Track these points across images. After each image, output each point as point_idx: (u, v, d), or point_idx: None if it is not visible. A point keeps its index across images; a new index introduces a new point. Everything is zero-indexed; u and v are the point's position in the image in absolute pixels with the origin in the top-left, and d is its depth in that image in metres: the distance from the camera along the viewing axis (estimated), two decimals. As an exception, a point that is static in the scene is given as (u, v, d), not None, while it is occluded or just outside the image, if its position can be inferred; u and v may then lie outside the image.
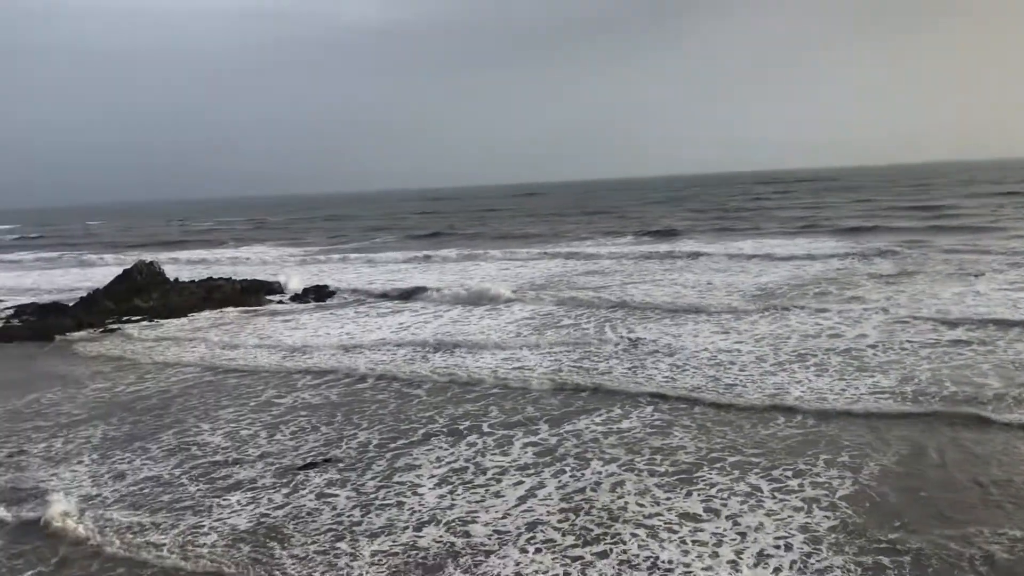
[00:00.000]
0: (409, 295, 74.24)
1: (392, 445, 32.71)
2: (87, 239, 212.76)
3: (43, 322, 69.71)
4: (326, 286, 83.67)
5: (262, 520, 26.48)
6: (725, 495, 25.45)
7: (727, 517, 23.89)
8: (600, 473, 27.76)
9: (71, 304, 77.35)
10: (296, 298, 77.96)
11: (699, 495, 25.61)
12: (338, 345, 53.28)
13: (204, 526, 25.86)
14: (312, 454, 32.09)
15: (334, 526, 25.81)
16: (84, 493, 29.26)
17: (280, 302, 77.26)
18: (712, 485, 26.29)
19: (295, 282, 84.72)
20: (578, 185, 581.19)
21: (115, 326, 68.42)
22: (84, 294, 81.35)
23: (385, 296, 74.38)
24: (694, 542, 22.41)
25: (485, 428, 33.85)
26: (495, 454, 30.52)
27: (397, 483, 28.27)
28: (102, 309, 73.76)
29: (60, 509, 28.37)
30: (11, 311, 79.55)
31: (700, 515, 24.17)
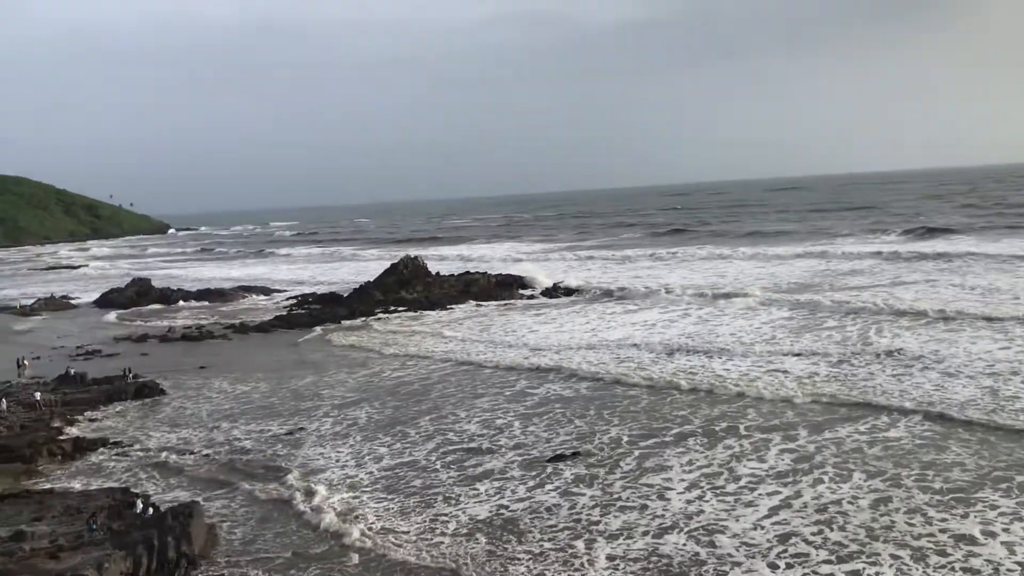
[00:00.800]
0: (655, 292, 74.66)
1: (643, 444, 32.51)
2: (356, 235, 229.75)
3: (322, 310, 76.28)
4: (573, 282, 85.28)
5: (501, 511, 27.12)
6: (1007, 520, 23.12)
7: (1004, 544, 21.60)
8: (861, 487, 26.07)
9: (345, 295, 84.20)
10: (546, 293, 79.82)
11: (976, 517, 23.42)
12: (585, 340, 54.34)
13: (448, 514, 26.75)
14: (563, 447, 32.40)
15: (572, 524, 25.90)
16: (345, 473, 31.38)
17: (531, 296, 79.88)
18: (993, 507, 23.98)
19: (544, 277, 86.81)
20: (834, 179, 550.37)
21: (383, 315, 73.71)
22: (356, 286, 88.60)
23: (630, 292, 74.26)
24: (966, 570, 20.54)
25: (742, 431, 32.91)
26: (751, 459, 29.42)
27: (644, 484, 27.95)
28: (372, 299, 79.36)
29: (312, 489, 30.38)
30: (294, 300, 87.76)
31: (977, 538, 22.10)
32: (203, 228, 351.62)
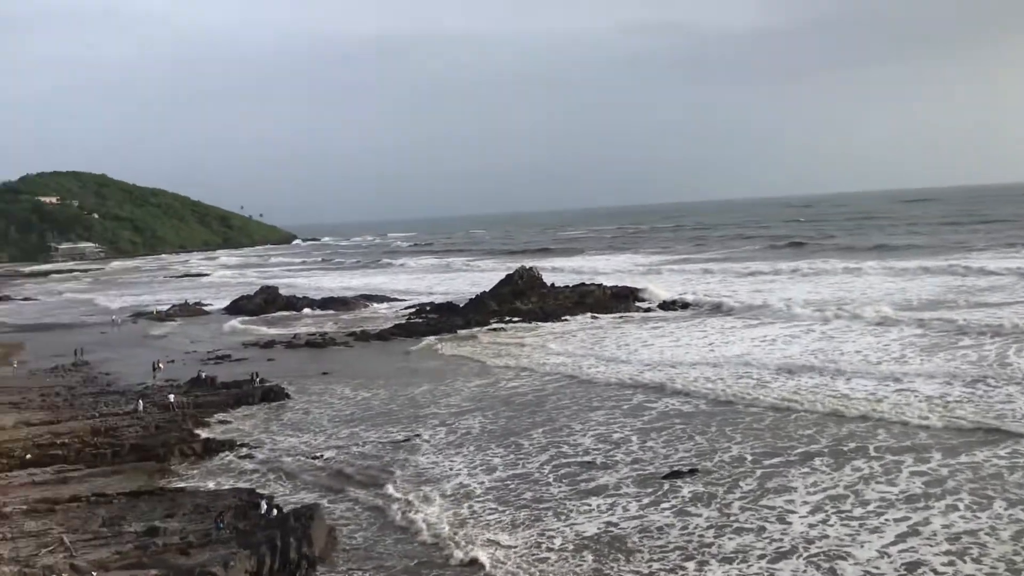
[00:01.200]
0: (776, 307, 72.13)
1: (766, 462, 31.61)
2: (471, 246, 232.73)
3: (439, 319, 77.57)
4: (690, 295, 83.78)
5: (610, 529, 26.73)
6: None
7: None
8: (1002, 516, 24.56)
9: (462, 305, 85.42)
10: (663, 306, 78.55)
11: None
12: (704, 355, 53.20)
13: (556, 529, 26.51)
14: (681, 464, 31.78)
15: (683, 544, 25.25)
16: (459, 483, 31.59)
17: (647, 309, 78.82)
18: None
19: (660, 290, 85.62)
20: (968, 190, 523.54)
21: (498, 325, 74.28)
22: (471, 296, 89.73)
23: (749, 307, 72.32)
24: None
25: (871, 452, 31.66)
26: (880, 482, 28.24)
27: (764, 505, 27.16)
28: (488, 310, 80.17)
29: (427, 497, 31.38)
30: (412, 309, 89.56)
31: None
32: (325, 239, 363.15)
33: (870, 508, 25.91)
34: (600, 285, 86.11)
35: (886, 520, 24.89)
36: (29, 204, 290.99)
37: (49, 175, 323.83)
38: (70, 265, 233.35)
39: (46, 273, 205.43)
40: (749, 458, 31.61)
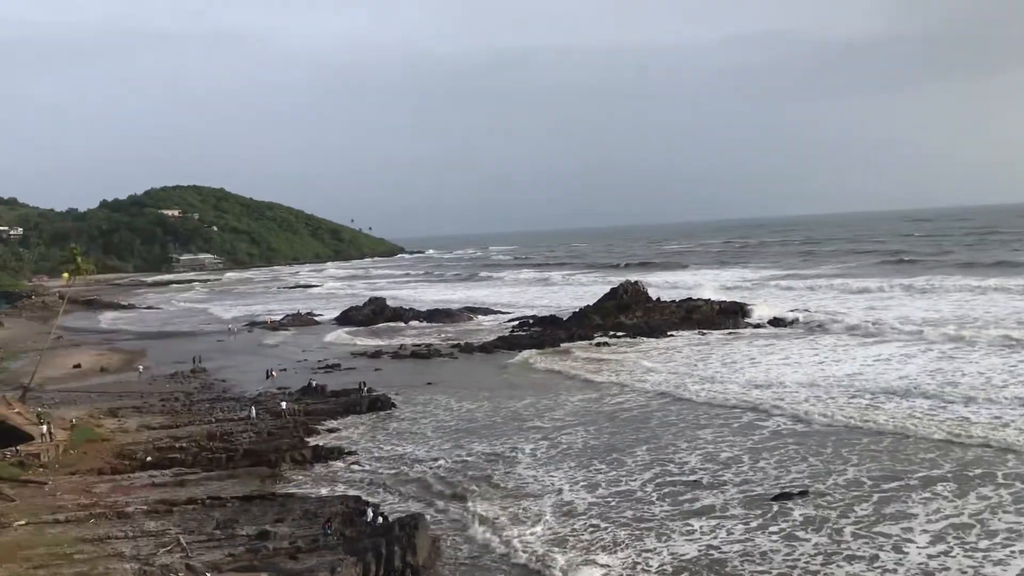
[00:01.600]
0: (890, 324, 68.35)
1: (885, 486, 30.31)
2: (573, 259, 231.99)
3: (542, 332, 77.61)
4: (799, 312, 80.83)
5: (711, 552, 25.96)
6: None
7: None
8: None
9: (564, 318, 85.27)
10: (772, 322, 76.27)
11: None
12: (814, 374, 51.17)
13: (654, 550, 25.93)
14: (793, 485, 30.70)
15: (787, 571, 24.28)
16: (561, 499, 31.27)
17: (757, 325, 76.63)
18: None
19: (768, 307, 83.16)
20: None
21: (602, 339, 73.74)
22: (574, 310, 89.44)
23: (861, 324, 69.13)
24: None
25: (1000, 479, 30.00)
26: (1008, 511, 26.71)
27: (879, 532, 26.05)
28: (591, 323, 79.75)
29: (526, 512, 31.26)
30: (515, 322, 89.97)
31: None
32: (429, 251, 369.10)
33: (997, 540, 24.52)
34: (707, 300, 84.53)
35: (1013, 552, 23.52)
36: (153, 217, 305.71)
37: (172, 189, 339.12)
38: (189, 275, 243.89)
39: (167, 283, 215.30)
40: (866, 482, 30.37)
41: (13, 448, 38.63)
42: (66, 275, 71.07)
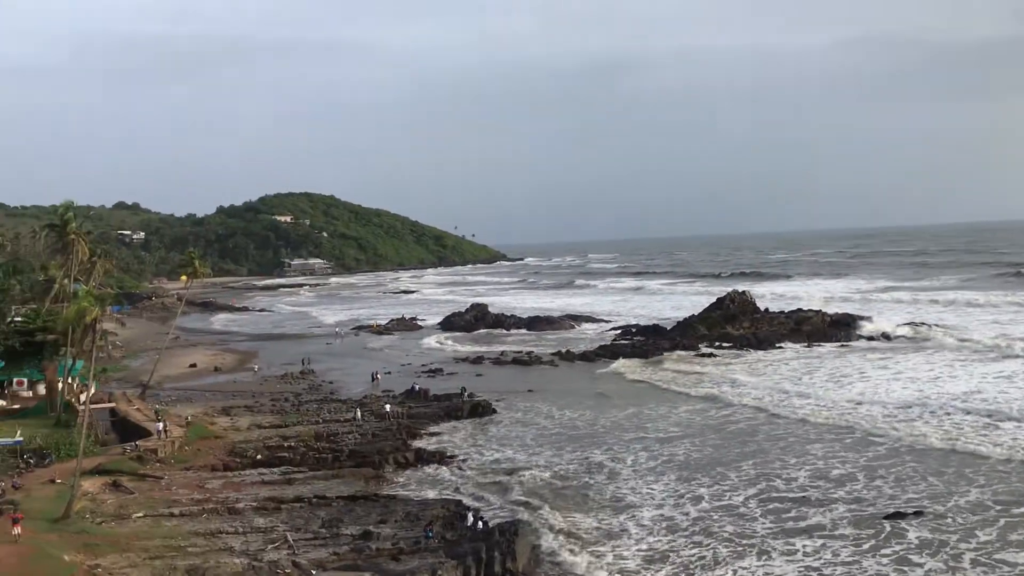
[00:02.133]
0: (1013, 339, 64.00)
1: (1016, 511, 28.65)
2: (675, 268, 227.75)
3: (645, 342, 76.67)
4: (917, 324, 77.10)
5: (810, 573, 24.75)
6: None
7: None
8: None
9: (668, 328, 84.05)
10: (886, 336, 73.07)
11: None
12: (930, 391, 48.92)
13: (751, 568, 25.17)
14: (908, 505, 29.45)
15: (896, 599, 23.80)
16: (661, 514, 30.64)
17: (870, 339, 73.72)
18: None
19: (882, 319, 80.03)
20: None
21: (707, 350, 72.22)
22: (677, 320, 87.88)
23: (981, 339, 65.60)
24: None
25: None
26: None
27: (1003, 560, 24.57)
28: (696, 334, 78.31)
29: (624, 526, 30.76)
30: (617, 331, 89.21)
31: None
32: (529, 259, 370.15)
33: None
34: (818, 311, 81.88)
35: None
36: (267, 222, 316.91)
37: (284, 196, 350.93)
38: (299, 279, 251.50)
39: (277, 287, 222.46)
40: (992, 505, 28.81)
41: (132, 443, 40.47)
42: (184, 277, 74.07)
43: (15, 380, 52.82)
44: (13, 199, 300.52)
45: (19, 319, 57.69)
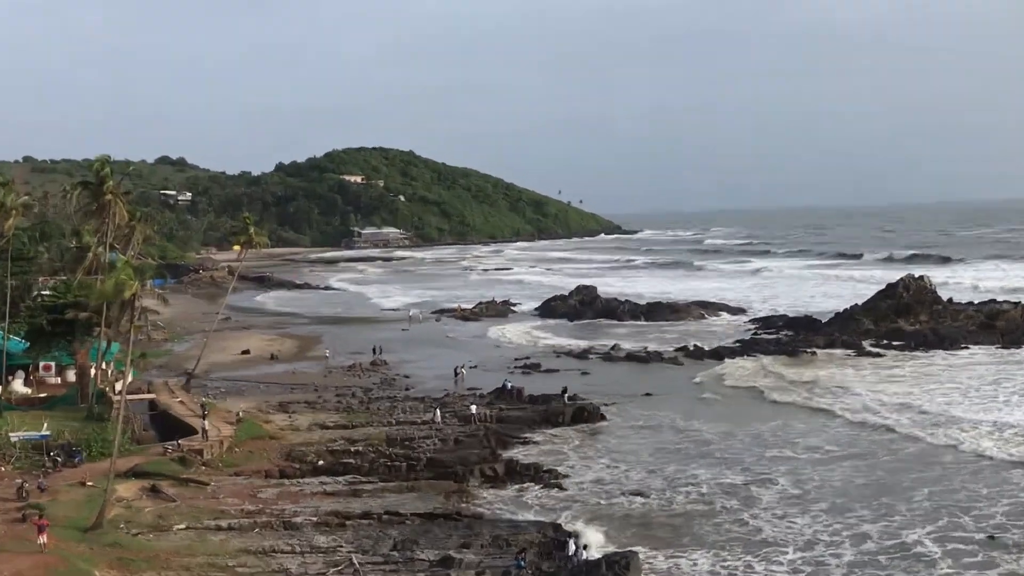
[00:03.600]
0: None
1: None
2: (817, 245, 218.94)
3: (794, 337, 74.78)
4: None
5: None
6: None
7: None
8: None
9: (823, 320, 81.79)
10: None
11: None
12: None
13: None
14: None
15: None
16: (813, 555, 29.83)
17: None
18: None
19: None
20: None
21: (874, 348, 69.67)
22: (833, 311, 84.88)
23: None
24: None
25: None
26: None
27: None
28: (859, 328, 75.76)
29: None
30: (757, 323, 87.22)
31: None
32: (644, 232, 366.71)
33: None
34: (1017, 304, 78.62)
35: None
36: (334, 183, 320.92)
37: (355, 151, 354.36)
38: (371, 252, 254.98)
39: (346, 260, 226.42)
40: None
41: (174, 442, 41.64)
42: (237, 247, 75.10)
43: (42, 364, 54.97)
44: (41, 152, 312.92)
45: (46, 293, 59.93)
